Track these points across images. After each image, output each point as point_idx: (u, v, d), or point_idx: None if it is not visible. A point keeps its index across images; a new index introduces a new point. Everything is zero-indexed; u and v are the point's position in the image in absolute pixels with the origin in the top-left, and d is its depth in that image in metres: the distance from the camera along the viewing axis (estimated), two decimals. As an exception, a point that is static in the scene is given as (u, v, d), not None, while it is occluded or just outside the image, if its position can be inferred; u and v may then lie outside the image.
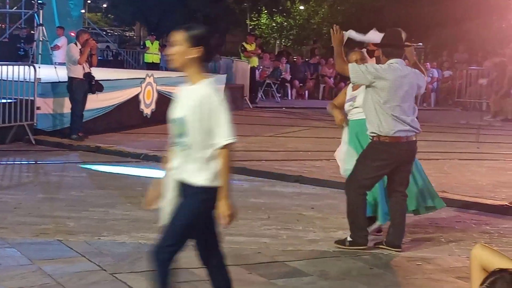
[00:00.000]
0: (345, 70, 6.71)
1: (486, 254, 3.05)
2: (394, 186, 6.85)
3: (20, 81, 12.82)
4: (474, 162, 12.40)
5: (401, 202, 6.87)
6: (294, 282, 5.82)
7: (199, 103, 4.28)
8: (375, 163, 6.67)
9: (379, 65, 6.77)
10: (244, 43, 23.41)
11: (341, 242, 6.87)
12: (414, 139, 6.80)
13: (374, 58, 7.98)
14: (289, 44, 39.68)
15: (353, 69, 6.63)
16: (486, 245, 3.28)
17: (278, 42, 41.01)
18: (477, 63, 25.64)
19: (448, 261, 6.60)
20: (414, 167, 7.17)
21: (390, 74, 6.58)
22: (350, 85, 7.53)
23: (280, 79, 25.69)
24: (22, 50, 24.30)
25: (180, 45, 4.32)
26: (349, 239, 6.81)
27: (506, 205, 8.75)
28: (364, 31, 7.17)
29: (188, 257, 6.15)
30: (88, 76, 12.87)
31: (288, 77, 26.45)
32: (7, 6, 26.80)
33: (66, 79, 13.04)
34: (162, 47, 28.32)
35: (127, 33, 54.99)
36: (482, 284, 2.74)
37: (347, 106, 7.48)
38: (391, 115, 6.57)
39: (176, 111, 4.45)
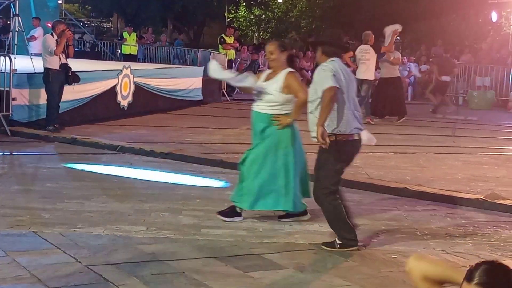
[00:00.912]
0: (331, 100, 6.39)
1: (424, 264, 3.08)
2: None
3: (-4, 71, 12.71)
4: (450, 156, 12.47)
5: (343, 199, 6.81)
6: (270, 275, 5.83)
7: None
8: (337, 166, 6.59)
9: (327, 65, 6.53)
10: (223, 35, 23.37)
11: (330, 244, 6.67)
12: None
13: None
14: (267, 37, 39.65)
15: (331, 87, 6.37)
16: (420, 255, 3.30)
17: (256, 35, 40.98)
18: (454, 57, 25.76)
19: (423, 254, 6.62)
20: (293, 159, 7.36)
21: (338, 69, 6.52)
22: (266, 73, 7.61)
23: (257, 72, 25.66)
24: (-3, 40, 24.13)
25: None
26: (338, 241, 6.61)
27: (481, 198, 8.80)
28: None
29: (164, 249, 6.17)
30: (65, 67, 12.80)
31: (266, 70, 26.43)
32: (-17, -4, 26.54)
33: (42, 70, 12.96)
34: (140, 38, 28.24)
35: (104, 24, 54.66)
36: (470, 280, 2.73)
37: (254, 95, 7.56)
38: (349, 111, 6.49)
39: None
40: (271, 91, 7.33)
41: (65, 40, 12.79)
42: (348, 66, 16.65)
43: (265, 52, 7.62)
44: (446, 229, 7.63)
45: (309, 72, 27.67)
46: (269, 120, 7.34)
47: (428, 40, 29.73)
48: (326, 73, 6.42)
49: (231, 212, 7.52)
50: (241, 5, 40.52)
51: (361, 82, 16.50)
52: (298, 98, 7.29)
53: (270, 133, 7.33)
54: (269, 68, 7.61)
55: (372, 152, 12.35)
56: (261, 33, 40.28)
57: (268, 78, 7.47)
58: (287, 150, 7.34)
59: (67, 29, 13.09)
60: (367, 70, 16.80)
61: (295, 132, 7.42)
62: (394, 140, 14.14)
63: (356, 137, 6.57)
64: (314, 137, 6.47)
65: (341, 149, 6.51)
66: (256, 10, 40.05)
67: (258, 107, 7.46)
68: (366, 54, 16.75)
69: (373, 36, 16.96)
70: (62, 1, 35.95)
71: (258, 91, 7.43)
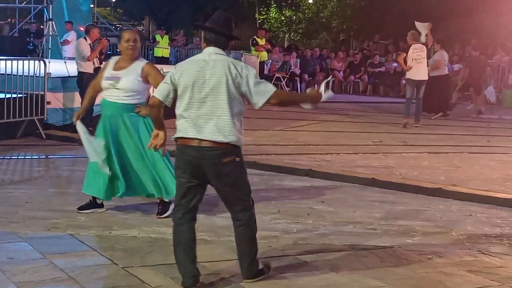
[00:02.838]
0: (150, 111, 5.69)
1: None
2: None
3: (31, 76, 12.86)
4: (484, 156, 12.37)
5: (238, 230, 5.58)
6: (305, 276, 5.82)
7: None
8: (176, 173, 5.66)
9: (179, 65, 5.54)
10: (255, 37, 23.42)
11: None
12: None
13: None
14: (298, 38, 39.58)
15: (153, 97, 5.53)
16: None
17: (287, 36, 40.91)
18: (488, 56, 25.51)
19: (459, 254, 6.58)
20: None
21: (196, 64, 5.34)
22: (112, 61, 7.52)
23: (289, 73, 25.67)
24: (31, 44, 24.40)
25: None
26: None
27: (516, 198, 8.73)
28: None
29: (198, 251, 6.17)
30: (98, 71, 12.89)
31: (298, 71, 26.43)
32: (17, 1, 26.87)
33: (76, 74, 13.09)
34: (172, 41, 28.37)
35: (136, 27, 55.04)
36: None
37: (105, 84, 7.43)
38: (186, 116, 5.40)
39: None
40: (129, 80, 7.29)
41: (100, 48, 12.94)
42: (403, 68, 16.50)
43: (124, 39, 7.38)
44: (482, 229, 7.57)
45: (341, 72, 27.63)
46: (129, 110, 7.38)
47: (461, 39, 29.49)
48: (166, 76, 5.50)
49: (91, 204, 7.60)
50: (272, 6, 40.51)
51: (420, 82, 16.26)
52: None
53: (133, 124, 7.39)
54: (125, 55, 7.45)
55: (406, 152, 12.32)
56: (292, 34, 40.19)
57: (119, 67, 7.38)
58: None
59: (104, 38, 13.24)
60: (425, 70, 16.35)
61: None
62: (427, 140, 14.06)
63: (192, 143, 5.32)
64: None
65: (176, 155, 5.52)
66: (286, 11, 39.98)
67: (114, 97, 7.39)
68: (422, 53, 16.26)
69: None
70: (94, 5, 36.29)
71: (113, 81, 7.34)
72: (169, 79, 5.36)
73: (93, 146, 7.41)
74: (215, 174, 5.32)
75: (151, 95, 5.56)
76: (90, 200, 7.65)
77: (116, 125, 7.45)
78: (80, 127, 7.58)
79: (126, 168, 7.42)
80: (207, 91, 5.25)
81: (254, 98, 5.34)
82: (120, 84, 7.30)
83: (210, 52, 5.35)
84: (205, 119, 5.26)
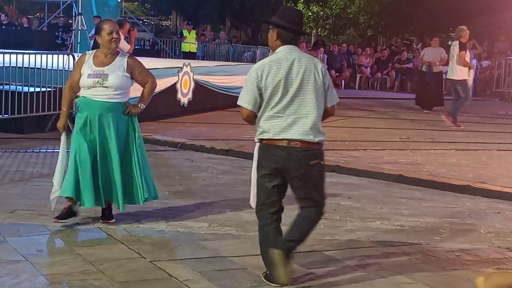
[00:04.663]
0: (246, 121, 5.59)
1: (495, 277, 3.00)
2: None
3: (60, 70, 12.95)
4: (513, 153, 12.29)
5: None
6: (332, 272, 5.82)
7: None
8: (259, 174, 5.67)
9: (259, 64, 5.39)
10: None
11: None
12: None
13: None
14: (325, 33, 39.51)
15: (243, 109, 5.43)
16: (488, 273, 3.20)
17: (314, 31, 40.83)
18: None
19: (487, 252, 6.55)
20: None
21: (282, 64, 5.28)
22: (89, 56, 6.79)
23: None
24: (60, 38, 24.60)
25: None
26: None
27: (546, 196, 8.65)
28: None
29: (226, 246, 6.22)
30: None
31: (325, 66, 26.40)
32: (46, -4, 27.12)
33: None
34: (200, 36, 28.43)
35: (163, 22, 55.21)
36: None
37: (89, 82, 6.66)
38: (277, 115, 5.33)
39: None
40: (118, 76, 6.68)
41: (135, 39, 13.10)
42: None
43: (106, 31, 6.68)
44: (511, 227, 7.52)
45: (368, 68, 27.54)
46: (119, 110, 6.75)
47: (490, 36, 29.25)
48: (247, 80, 5.36)
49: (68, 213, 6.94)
50: (299, 1, 40.45)
51: (450, 82, 16.00)
52: (149, 83, 6.99)
53: (121, 124, 6.80)
54: (107, 48, 6.75)
55: (433, 149, 12.26)
56: (319, 29, 40.12)
57: (102, 63, 6.70)
58: (140, 141, 6.97)
59: (135, 29, 13.39)
60: (451, 69, 15.45)
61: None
62: (455, 137, 13.98)
63: (279, 143, 5.26)
64: None
65: (261, 154, 5.51)
66: (314, 6, 39.91)
67: (102, 96, 6.66)
68: (452, 51, 15.55)
69: (466, 32, 15.48)
70: (122, 0, 36.44)
71: (100, 78, 6.64)
72: (252, 85, 5.27)
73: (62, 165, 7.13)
74: (300, 175, 5.26)
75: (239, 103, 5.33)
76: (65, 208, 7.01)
77: (105, 126, 6.78)
78: (64, 140, 7.25)
79: (108, 173, 6.84)
80: (295, 89, 5.22)
81: (328, 99, 5.41)
82: (109, 81, 6.63)
83: (289, 51, 5.32)
84: (293, 118, 5.22)
